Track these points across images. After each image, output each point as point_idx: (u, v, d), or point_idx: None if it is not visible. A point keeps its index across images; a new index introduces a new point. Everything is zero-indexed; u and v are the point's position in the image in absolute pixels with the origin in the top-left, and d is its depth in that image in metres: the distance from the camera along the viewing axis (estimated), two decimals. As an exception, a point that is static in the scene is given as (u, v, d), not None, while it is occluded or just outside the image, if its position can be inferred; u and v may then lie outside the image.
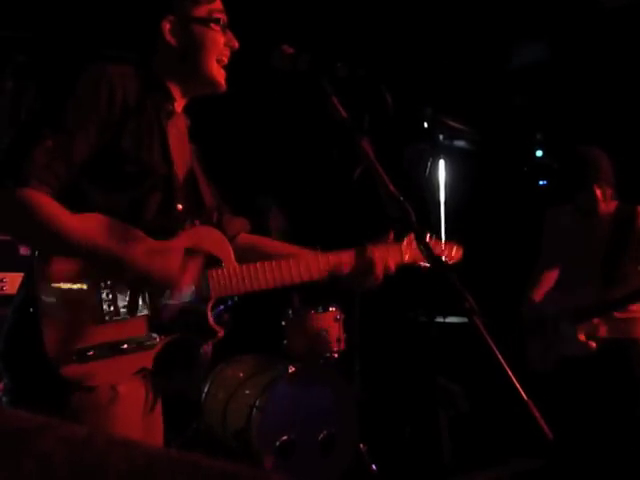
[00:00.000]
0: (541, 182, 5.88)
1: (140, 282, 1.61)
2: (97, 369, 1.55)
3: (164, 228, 1.75)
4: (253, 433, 3.32)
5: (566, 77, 5.17)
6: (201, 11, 1.84)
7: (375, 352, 4.50)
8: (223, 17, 1.87)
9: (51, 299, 1.53)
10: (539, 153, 5.75)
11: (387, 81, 1.74)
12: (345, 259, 1.96)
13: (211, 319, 1.72)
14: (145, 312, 1.64)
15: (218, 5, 1.88)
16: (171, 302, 1.66)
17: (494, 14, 4.67)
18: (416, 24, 4.77)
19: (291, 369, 3.51)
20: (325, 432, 3.52)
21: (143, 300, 1.64)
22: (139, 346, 1.60)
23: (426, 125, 4.77)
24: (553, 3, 4.55)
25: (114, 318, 1.58)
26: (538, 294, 3.49)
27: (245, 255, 1.91)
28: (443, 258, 2.11)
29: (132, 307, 1.61)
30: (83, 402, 1.56)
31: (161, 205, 1.76)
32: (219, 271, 1.77)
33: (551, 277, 3.51)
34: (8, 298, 3.19)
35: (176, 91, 1.88)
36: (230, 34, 1.89)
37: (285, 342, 3.87)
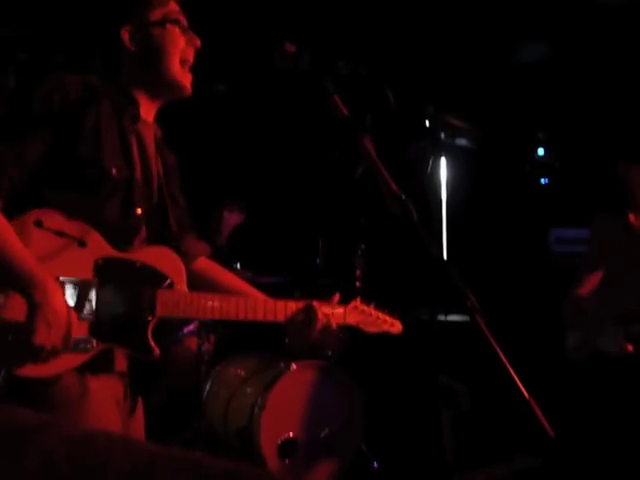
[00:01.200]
0: (542, 180, 5.88)
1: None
2: (45, 362, 1.54)
3: (123, 232, 1.77)
4: (255, 432, 3.32)
5: (567, 76, 5.16)
6: (156, 14, 1.85)
7: (377, 350, 4.50)
8: (180, 18, 1.89)
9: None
10: (540, 151, 5.75)
11: (389, 79, 1.74)
12: (291, 308, 1.98)
13: (150, 337, 1.72)
14: (90, 316, 1.64)
15: (173, 7, 1.89)
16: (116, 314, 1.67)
17: (496, 12, 4.67)
18: (418, 22, 4.76)
19: (293, 367, 3.51)
20: (327, 430, 3.52)
21: (90, 303, 1.65)
22: (75, 347, 1.59)
23: (428, 123, 4.77)
24: (555, 1, 4.55)
25: None
26: (584, 290, 3.52)
27: (197, 281, 1.93)
28: (383, 328, 2.18)
29: (78, 308, 1.62)
30: (53, 397, 1.57)
31: (120, 208, 1.77)
32: (168, 293, 1.77)
33: (596, 277, 3.54)
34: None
35: (143, 98, 1.89)
36: (191, 34, 1.90)
37: (287, 340, 3.87)
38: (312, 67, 1.75)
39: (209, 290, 1.89)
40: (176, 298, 1.78)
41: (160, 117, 1.98)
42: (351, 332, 2.10)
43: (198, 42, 1.90)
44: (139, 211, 1.82)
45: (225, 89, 3.68)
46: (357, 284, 4.09)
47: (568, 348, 3.48)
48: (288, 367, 3.52)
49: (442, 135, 4.97)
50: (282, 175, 5.14)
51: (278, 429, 3.38)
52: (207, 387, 3.76)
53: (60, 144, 1.67)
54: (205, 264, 2.11)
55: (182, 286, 1.81)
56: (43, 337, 1.51)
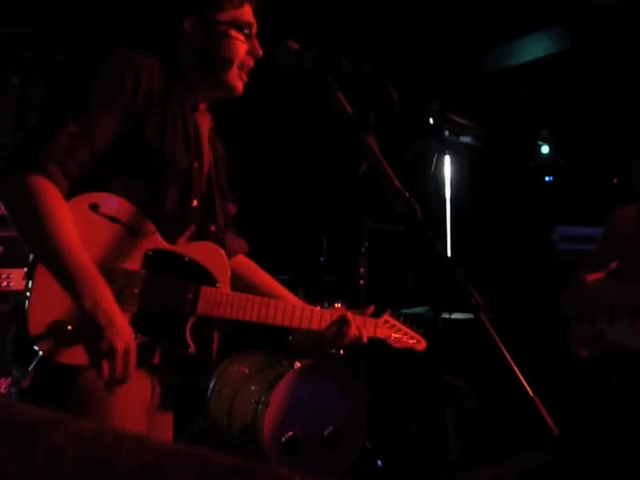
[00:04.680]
0: (547, 178, 5.87)
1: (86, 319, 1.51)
2: (75, 348, 1.52)
3: (177, 223, 1.75)
4: (259, 429, 3.33)
5: (572, 73, 5.15)
6: (224, 16, 1.80)
7: (381, 348, 4.50)
8: (248, 25, 1.83)
9: (44, 271, 1.51)
10: (545, 149, 5.74)
11: (392, 77, 1.74)
12: (326, 318, 2.00)
13: (188, 333, 1.71)
14: (133, 307, 1.62)
15: (246, 13, 1.83)
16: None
17: (500, 9, 4.66)
18: (421, 19, 4.76)
19: (297, 365, 3.51)
20: (331, 428, 3.52)
21: (134, 294, 1.63)
22: (78, 334, 1.55)
23: (432, 121, 4.76)
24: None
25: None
26: (589, 283, 3.45)
27: (234, 279, 1.90)
28: (409, 344, 2.21)
29: (122, 298, 1.58)
30: (83, 390, 1.57)
31: (178, 199, 1.75)
32: (211, 291, 1.76)
33: (600, 275, 3.48)
34: (14, 294, 3.23)
35: (200, 89, 1.86)
36: (256, 43, 1.85)
37: (291, 338, 3.88)
38: (316, 65, 1.75)
39: (245, 289, 1.89)
40: (218, 297, 1.77)
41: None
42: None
43: (260, 53, 1.86)
44: (195, 202, 1.80)
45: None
46: (361, 282, 4.09)
47: (577, 346, 3.39)
48: (292, 365, 3.52)
49: (446, 133, 4.97)
50: (286, 173, 5.14)
51: (282, 427, 3.39)
52: (211, 385, 3.77)
53: (128, 127, 1.64)
54: (243, 262, 2.10)
55: (226, 286, 1.80)
56: (106, 371, 1.49)
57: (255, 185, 4.59)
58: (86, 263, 1.49)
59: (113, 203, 1.62)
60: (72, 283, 1.47)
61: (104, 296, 1.49)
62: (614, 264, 3.41)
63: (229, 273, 1.82)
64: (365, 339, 2.06)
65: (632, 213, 3.43)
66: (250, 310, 1.82)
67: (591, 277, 3.42)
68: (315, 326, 1.98)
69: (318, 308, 2.01)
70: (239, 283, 1.93)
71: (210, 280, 1.77)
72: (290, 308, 1.92)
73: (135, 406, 1.68)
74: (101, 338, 1.47)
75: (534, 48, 5.09)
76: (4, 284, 3.23)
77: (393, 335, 2.15)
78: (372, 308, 2.12)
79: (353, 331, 2.01)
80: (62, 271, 1.48)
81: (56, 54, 3.96)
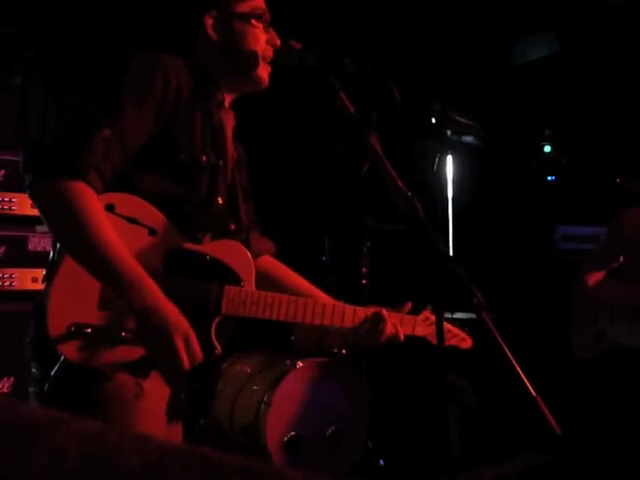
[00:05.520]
0: (549, 178, 5.87)
1: (142, 317, 1.53)
2: (96, 351, 1.52)
3: (202, 221, 1.73)
4: (261, 429, 3.33)
5: (574, 73, 5.14)
6: (243, 7, 1.80)
7: (383, 347, 4.49)
8: (265, 14, 1.84)
9: (67, 271, 1.52)
10: (547, 149, 5.74)
11: (395, 77, 1.74)
12: (359, 315, 1.93)
13: (214, 335, 1.68)
14: None
15: (260, 3, 1.84)
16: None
17: (502, 9, 4.66)
18: (424, 19, 4.76)
19: (299, 365, 3.51)
20: (333, 428, 3.52)
21: None
22: (136, 338, 1.56)
23: (434, 121, 4.76)
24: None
25: (122, 305, 1.54)
26: (592, 282, 3.43)
27: (261, 279, 1.85)
28: (452, 342, 2.11)
29: None
30: (108, 395, 1.56)
31: (205, 197, 1.73)
32: (235, 290, 1.72)
33: (600, 275, 3.46)
34: (17, 294, 3.23)
35: (224, 86, 1.86)
36: (272, 32, 1.86)
37: (293, 337, 3.88)
38: (318, 65, 1.75)
39: (273, 289, 1.83)
40: (243, 296, 1.72)
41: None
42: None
43: (278, 42, 1.85)
44: (220, 201, 1.79)
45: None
46: (363, 282, 4.08)
47: (579, 345, 3.37)
48: (294, 364, 3.52)
49: (448, 132, 4.96)
50: (288, 172, 5.14)
51: (284, 426, 3.39)
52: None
53: (159, 127, 1.63)
54: (269, 262, 2.07)
55: (250, 284, 1.75)
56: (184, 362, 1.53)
57: (257, 184, 4.58)
58: (132, 264, 1.51)
59: (129, 203, 1.60)
60: (122, 286, 1.49)
61: (152, 295, 1.51)
62: (616, 263, 3.40)
63: (253, 271, 1.77)
64: (402, 337, 1.98)
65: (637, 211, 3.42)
66: (278, 309, 1.77)
67: (593, 277, 3.42)
68: (348, 324, 1.91)
69: (350, 306, 1.94)
70: (267, 284, 1.88)
71: (234, 279, 1.73)
72: (320, 306, 1.86)
73: (158, 411, 1.67)
74: (159, 339, 1.49)
75: (537, 48, 5.09)
76: (5, 284, 3.23)
77: (434, 333, 2.05)
78: (409, 305, 2.05)
79: (389, 329, 1.94)
80: (111, 275, 1.49)
81: (59, 54, 3.96)
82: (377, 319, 1.94)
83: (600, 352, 3.29)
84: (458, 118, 4.92)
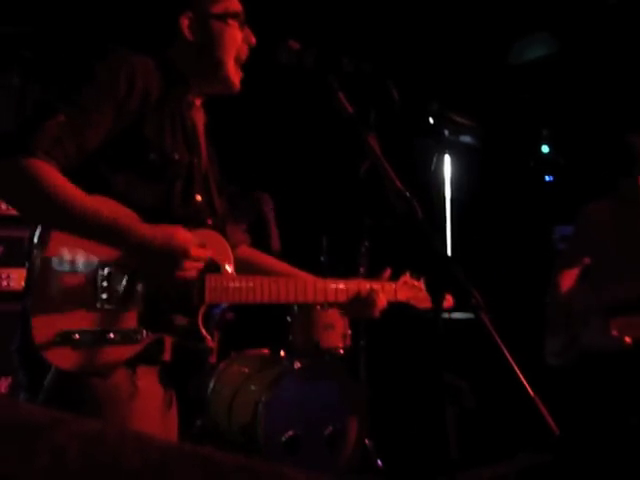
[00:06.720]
0: (547, 177, 5.88)
1: (143, 253, 1.57)
2: (86, 356, 1.52)
3: (186, 219, 1.74)
4: (259, 429, 3.33)
5: (572, 73, 5.15)
6: (218, 8, 1.83)
7: (381, 348, 4.50)
8: (240, 13, 1.86)
9: (46, 278, 1.52)
10: (545, 149, 5.74)
11: (393, 76, 1.74)
12: (342, 287, 1.97)
13: (201, 325, 1.68)
14: (139, 305, 1.61)
15: (235, 2, 1.87)
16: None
17: (500, 9, 4.66)
18: (422, 19, 4.76)
19: (297, 365, 3.51)
20: (331, 428, 3.52)
21: (137, 292, 1.62)
22: (124, 338, 1.56)
23: (432, 120, 4.76)
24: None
25: (106, 306, 1.55)
26: (564, 288, 3.41)
27: (242, 267, 1.89)
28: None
29: (126, 297, 1.59)
30: (102, 397, 1.56)
31: (181, 196, 1.75)
32: (217, 277, 1.74)
33: (574, 273, 3.42)
34: (13, 294, 3.23)
35: (195, 86, 1.87)
36: (248, 31, 1.88)
37: (291, 338, 3.88)
38: (316, 64, 1.75)
39: (253, 274, 1.86)
40: (225, 283, 1.75)
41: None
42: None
43: (253, 40, 1.88)
44: (198, 198, 1.81)
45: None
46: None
47: (551, 352, 3.34)
48: (292, 364, 3.52)
49: (446, 132, 4.96)
50: (286, 172, 5.14)
51: (282, 427, 3.39)
52: (211, 384, 3.77)
53: (125, 126, 1.64)
54: (247, 251, 2.10)
55: (230, 269, 1.78)
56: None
57: (255, 184, 4.58)
58: (111, 212, 1.55)
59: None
60: (110, 238, 1.54)
61: (142, 229, 1.56)
62: (586, 260, 3.35)
63: (232, 258, 1.80)
64: (384, 304, 2.02)
65: (604, 208, 3.37)
66: (260, 291, 1.80)
67: (564, 284, 3.38)
68: (331, 298, 1.95)
69: (332, 281, 1.96)
70: (247, 271, 1.90)
71: (214, 267, 1.75)
72: (302, 283, 1.90)
73: (153, 409, 1.67)
74: (166, 259, 1.57)
75: (535, 48, 5.09)
76: (4, 284, 3.23)
77: (417, 296, 2.11)
78: (389, 272, 2.09)
79: (381, 301, 1.99)
80: (95, 231, 1.53)
81: (57, 54, 3.96)
82: (361, 287, 2.00)
83: (570, 359, 3.27)
84: (456, 118, 4.92)
